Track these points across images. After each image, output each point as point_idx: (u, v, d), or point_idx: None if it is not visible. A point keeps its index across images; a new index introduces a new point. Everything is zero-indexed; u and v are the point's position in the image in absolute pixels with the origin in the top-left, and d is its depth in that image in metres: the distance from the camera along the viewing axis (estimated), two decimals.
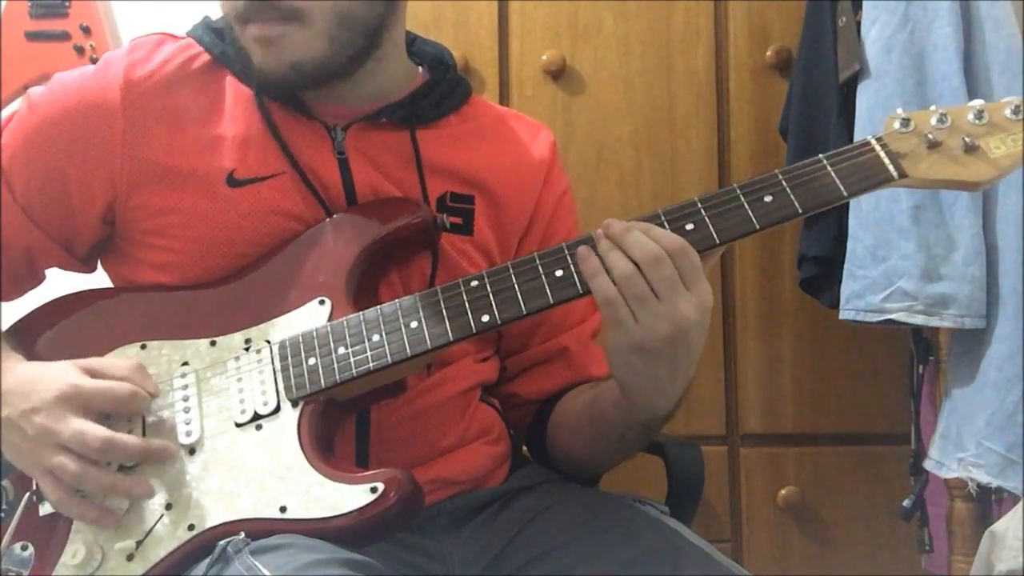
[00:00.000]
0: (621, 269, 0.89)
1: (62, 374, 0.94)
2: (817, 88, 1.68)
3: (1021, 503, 1.37)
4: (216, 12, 1.15)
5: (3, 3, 1.93)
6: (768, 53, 1.85)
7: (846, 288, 1.60)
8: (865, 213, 1.57)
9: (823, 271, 1.70)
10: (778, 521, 1.84)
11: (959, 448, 1.52)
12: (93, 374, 0.95)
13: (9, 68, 1.89)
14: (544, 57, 1.85)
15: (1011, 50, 1.52)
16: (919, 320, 1.53)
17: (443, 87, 1.15)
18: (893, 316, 1.54)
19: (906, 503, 1.66)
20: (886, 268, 1.54)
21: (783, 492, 1.82)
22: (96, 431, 0.90)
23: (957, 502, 1.60)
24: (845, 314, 1.60)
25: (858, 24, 1.60)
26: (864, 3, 1.60)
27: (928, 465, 1.58)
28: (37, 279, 1.14)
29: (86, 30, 1.92)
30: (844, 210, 1.62)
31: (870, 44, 1.57)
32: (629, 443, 1.06)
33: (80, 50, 1.91)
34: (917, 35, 1.53)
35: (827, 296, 1.71)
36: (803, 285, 1.75)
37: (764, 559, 1.83)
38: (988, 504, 1.60)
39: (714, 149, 1.85)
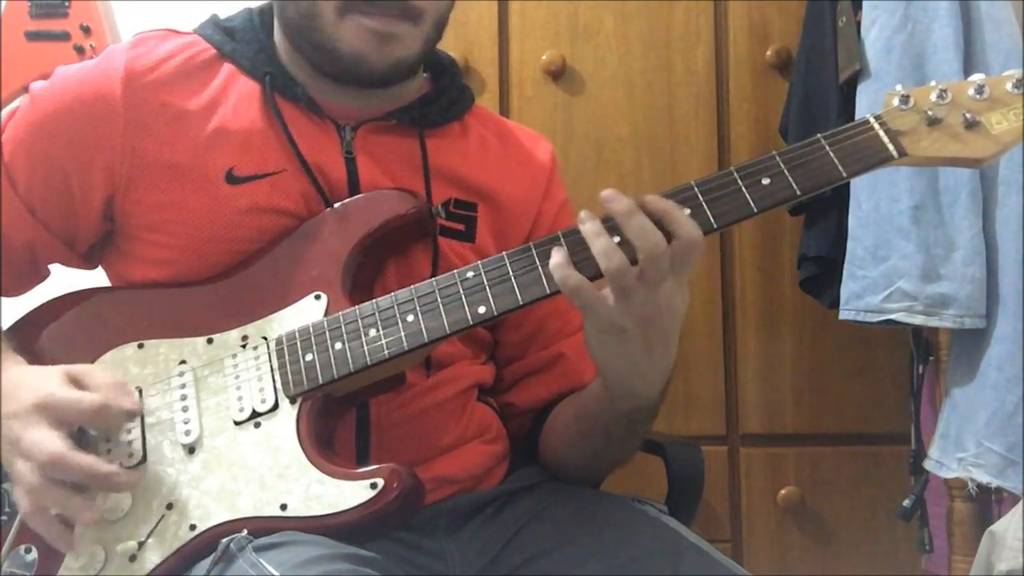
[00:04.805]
0: (612, 263, 0.86)
1: (45, 382, 0.92)
2: (817, 88, 1.68)
3: (1021, 503, 1.37)
4: (223, 11, 1.15)
5: (3, 3, 1.93)
6: (768, 53, 1.85)
7: (846, 288, 1.60)
8: (865, 213, 1.57)
9: (823, 271, 1.71)
10: (778, 521, 1.84)
11: (959, 448, 1.52)
12: (79, 384, 0.93)
13: (9, 68, 1.90)
14: (544, 57, 1.85)
15: (1011, 50, 1.52)
16: (919, 320, 1.53)
17: (451, 93, 1.16)
18: (893, 316, 1.54)
19: (906, 503, 1.66)
20: (886, 268, 1.54)
21: (783, 492, 1.82)
22: (49, 444, 0.88)
23: (957, 502, 1.60)
24: (845, 314, 1.60)
25: (858, 24, 1.61)
26: (864, 3, 1.60)
27: (928, 465, 1.58)
28: (40, 275, 1.14)
29: (86, 30, 1.92)
30: (844, 210, 1.62)
31: (870, 44, 1.57)
32: (617, 440, 1.05)
33: (80, 50, 1.91)
34: (917, 35, 1.54)
35: (827, 296, 1.71)
36: (803, 285, 1.75)
37: (764, 559, 1.83)
38: (988, 504, 1.60)
39: (714, 149, 1.85)
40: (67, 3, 1.93)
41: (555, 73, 1.85)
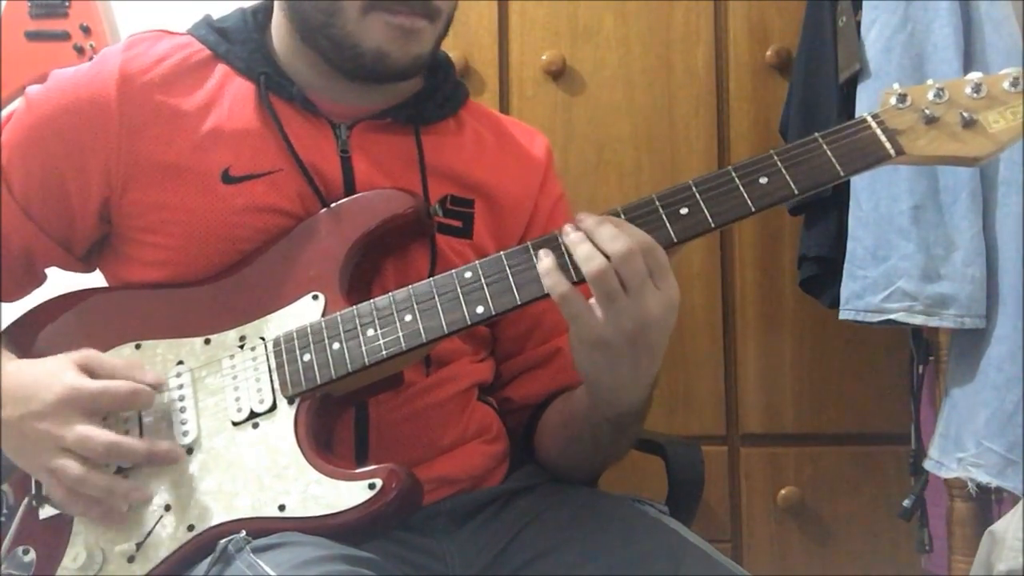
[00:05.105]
0: (594, 265, 0.87)
1: (60, 374, 0.93)
2: (817, 88, 1.68)
3: (1021, 503, 1.36)
4: (217, 12, 1.15)
5: (3, 3, 1.93)
6: (768, 53, 1.85)
7: (846, 288, 1.60)
8: (865, 213, 1.57)
9: (823, 271, 1.70)
10: (778, 521, 1.83)
11: (959, 448, 1.52)
12: (91, 372, 0.94)
13: (9, 68, 1.89)
14: (544, 57, 1.85)
15: (1011, 50, 1.52)
16: (919, 320, 1.53)
17: (445, 89, 1.16)
18: (893, 316, 1.54)
19: (906, 503, 1.66)
20: (886, 268, 1.54)
21: (783, 492, 1.82)
22: (100, 435, 0.90)
23: (957, 502, 1.60)
24: (845, 314, 1.60)
25: (858, 24, 1.60)
26: (864, 3, 1.60)
27: (928, 465, 1.58)
28: (38, 279, 1.14)
29: (86, 30, 1.92)
30: (844, 210, 1.62)
31: (870, 44, 1.57)
32: (604, 444, 1.05)
33: (80, 50, 1.91)
34: (917, 35, 1.53)
35: (827, 296, 1.70)
36: (803, 285, 1.75)
37: (764, 559, 1.82)
38: (988, 504, 1.59)
39: (714, 149, 1.85)
40: (67, 3, 1.93)
41: (555, 73, 1.85)
